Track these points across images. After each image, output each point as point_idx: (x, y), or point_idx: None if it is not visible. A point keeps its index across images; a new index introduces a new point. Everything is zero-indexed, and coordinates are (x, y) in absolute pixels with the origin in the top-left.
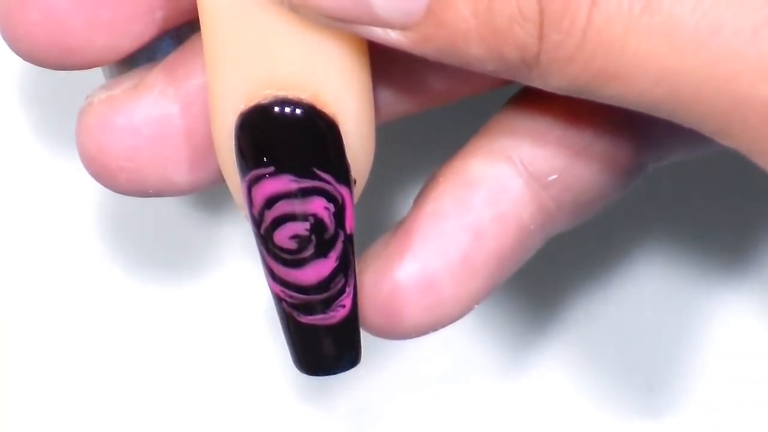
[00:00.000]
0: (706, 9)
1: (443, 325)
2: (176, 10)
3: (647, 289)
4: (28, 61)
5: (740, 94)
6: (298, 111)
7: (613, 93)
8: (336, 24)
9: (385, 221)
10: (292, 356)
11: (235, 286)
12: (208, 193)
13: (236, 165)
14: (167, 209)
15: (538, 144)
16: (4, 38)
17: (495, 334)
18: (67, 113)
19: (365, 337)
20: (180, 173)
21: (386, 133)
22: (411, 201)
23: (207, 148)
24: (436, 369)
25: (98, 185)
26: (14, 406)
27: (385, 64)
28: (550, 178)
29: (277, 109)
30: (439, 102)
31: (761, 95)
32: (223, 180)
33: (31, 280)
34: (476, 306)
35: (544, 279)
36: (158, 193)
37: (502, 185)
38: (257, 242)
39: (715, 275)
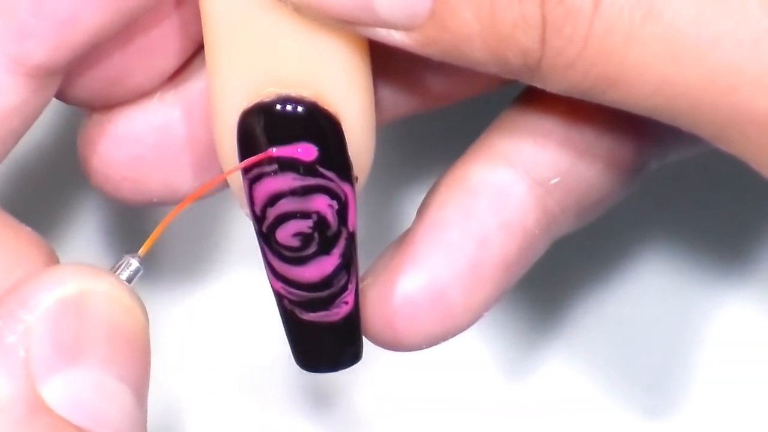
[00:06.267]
0: (707, 20)
1: (453, 335)
2: None
3: (648, 289)
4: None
5: (738, 106)
6: (300, 109)
7: (614, 98)
8: (340, 25)
9: (390, 224)
10: (293, 353)
11: (239, 290)
12: (212, 199)
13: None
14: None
15: (540, 147)
16: None
17: (496, 335)
18: (69, 124)
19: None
20: (184, 180)
21: (391, 136)
22: (416, 204)
23: (210, 153)
24: (439, 369)
25: (101, 195)
26: None
27: (386, 63)
28: (553, 181)
29: (279, 106)
30: (441, 102)
31: (759, 108)
32: (227, 185)
33: None
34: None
35: (545, 279)
36: (162, 202)
37: (505, 191)
38: (258, 240)
39: (716, 275)
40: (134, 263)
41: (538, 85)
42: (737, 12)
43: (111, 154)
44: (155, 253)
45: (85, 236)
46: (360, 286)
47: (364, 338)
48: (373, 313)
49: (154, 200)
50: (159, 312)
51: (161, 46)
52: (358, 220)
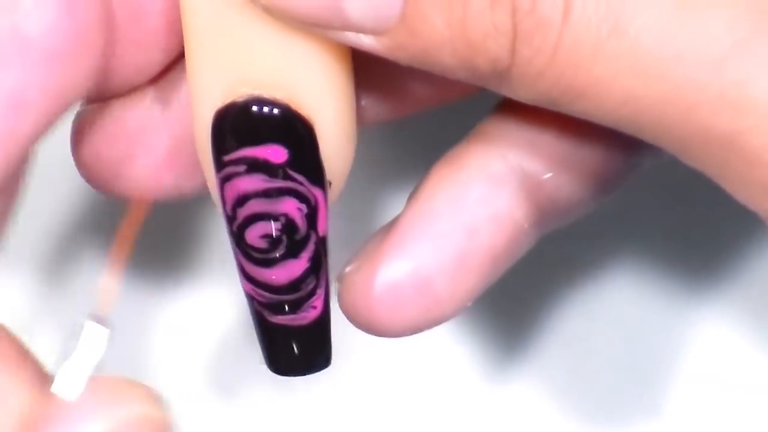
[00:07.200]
0: (672, 37)
1: (437, 323)
2: None
3: (638, 289)
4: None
5: (700, 123)
6: (273, 110)
7: (580, 109)
8: (309, 28)
9: (376, 226)
10: (264, 356)
11: (237, 291)
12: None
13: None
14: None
15: (533, 142)
16: None
17: (483, 333)
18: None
19: (351, 338)
20: (174, 177)
21: (378, 136)
22: (403, 203)
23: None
24: (423, 369)
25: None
26: None
27: (368, 67)
28: (545, 176)
29: (253, 108)
30: (423, 106)
31: (720, 126)
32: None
33: (28, 287)
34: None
35: (532, 277)
36: (152, 198)
37: (496, 184)
38: (230, 240)
39: (709, 277)
40: (102, 330)
41: (507, 93)
42: (701, 30)
43: (101, 150)
44: (151, 255)
45: (81, 236)
46: (345, 270)
47: (353, 333)
48: (356, 298)
49: (144, 196)
50: (155, 313)
51: (148, 42)
52: (345, 222)
